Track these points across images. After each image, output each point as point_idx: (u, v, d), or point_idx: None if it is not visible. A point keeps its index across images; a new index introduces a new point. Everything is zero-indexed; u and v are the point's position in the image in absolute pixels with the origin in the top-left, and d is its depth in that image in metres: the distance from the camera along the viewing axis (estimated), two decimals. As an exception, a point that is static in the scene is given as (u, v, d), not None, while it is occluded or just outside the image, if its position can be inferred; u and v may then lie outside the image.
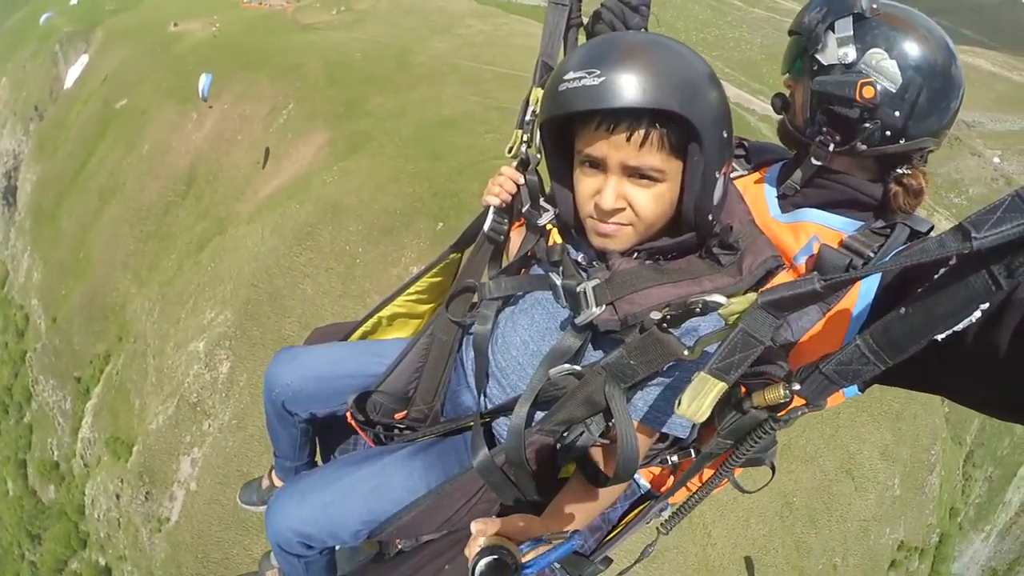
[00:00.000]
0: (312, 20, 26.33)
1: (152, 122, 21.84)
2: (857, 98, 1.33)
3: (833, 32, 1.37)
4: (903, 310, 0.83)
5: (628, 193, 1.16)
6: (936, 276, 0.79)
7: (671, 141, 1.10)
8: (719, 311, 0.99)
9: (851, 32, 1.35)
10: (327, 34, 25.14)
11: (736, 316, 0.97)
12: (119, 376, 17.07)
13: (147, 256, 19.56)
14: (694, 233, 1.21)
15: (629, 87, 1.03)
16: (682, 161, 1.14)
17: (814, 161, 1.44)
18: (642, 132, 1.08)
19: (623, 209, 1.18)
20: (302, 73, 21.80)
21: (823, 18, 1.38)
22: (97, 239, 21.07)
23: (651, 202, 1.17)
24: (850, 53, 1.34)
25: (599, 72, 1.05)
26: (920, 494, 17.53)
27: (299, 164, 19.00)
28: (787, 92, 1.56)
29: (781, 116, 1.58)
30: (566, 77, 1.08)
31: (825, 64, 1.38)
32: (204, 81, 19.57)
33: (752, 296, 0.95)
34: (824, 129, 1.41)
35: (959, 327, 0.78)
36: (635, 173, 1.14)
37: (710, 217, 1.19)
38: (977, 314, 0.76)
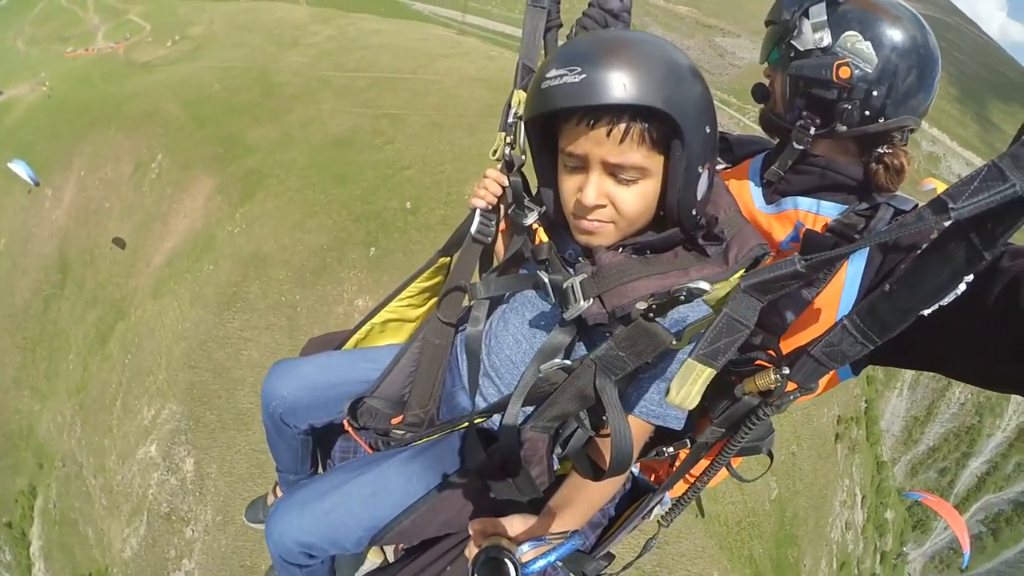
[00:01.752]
0: (148, 57, 23.22)
1: (2, 211, 18.51)
2: (834, 79, 1.34)
3: (808, 18, 1.39)
4: (887, 287, 0.82)
5: (610, 190, 1.16)
6: (918, 252, 0.80)
7: (653, 137, 1.10)
8: (704, 298, 1.00)
9: (825, 17, 1.37)
10: (171, 69, 22.33)
11: (720, 301, 0.97)
12: (57, 508, 14.62)
13: (40, 365, 16.74)
14: (678, 228, 1.22)
15: (609, 84, 1.03)
16: (665, 157, 1.13)
17: (796, 146, 1.44)
18: (622, 128, 1.08)
19: (604, 206, 1.18)
20: (161, 119, 19.29)
21: (798, 5, 1.41)
22: (-25, 363, 17.75)
23: (633, 199, 1.17)
24: (825, 37, 1.37)
25: (580, 69, 1.04)
26: (843, 374, 19.72)
27: (191, 220, 17.03)
28: (766, 82, 1.57)
29: (762, 106, 1.59)
30: (548, 75, 1.08)
31: (802, 50, 1.41)
32: (20, 170, 16.16)
33: (735, 280, 0.95)
34: (804, 113, 1.43)
35: (945, 301, 0.79)
36: (616, 170, 1.14)
37: (694, 212, 1.18)
38: (962, 287, 0.76)
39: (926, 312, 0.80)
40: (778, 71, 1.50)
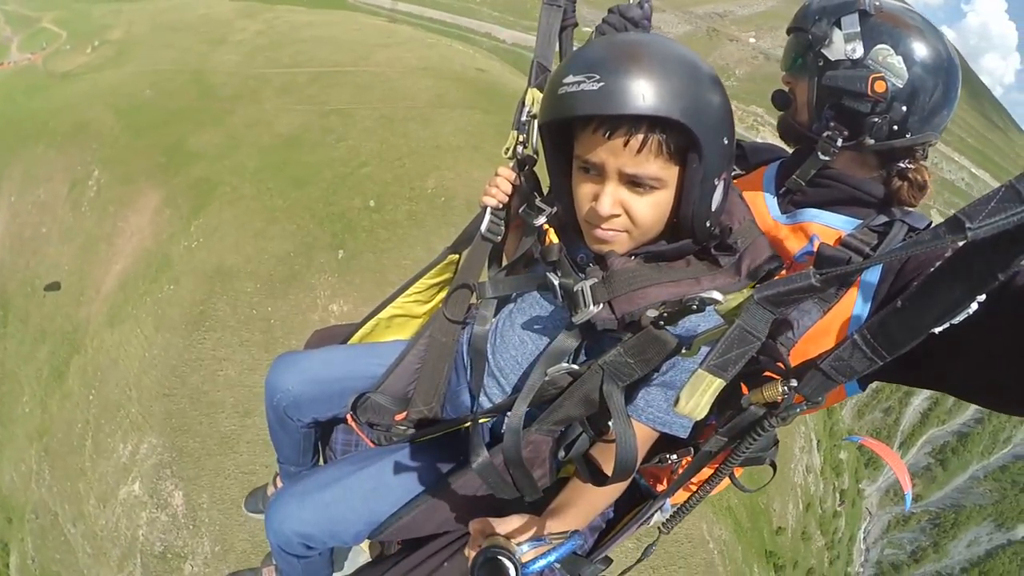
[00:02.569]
0: (69, 66, 21.13)
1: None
2: (869, 92, 1.33)
3: (840, 28, 1.37)
4: (899, 304, 0.82)
5: (625, 200, 1.14)
6: (932, 269, 0.79)
7: (670, 147, 1.08)
8: (716, 308, 0.99)
9: (858, 28, 1.35)
10: (97, 78, 20.43)
11: (732, 312, 0.97)
12: (36, 563, 13.29)
13: (-11, 410, 15.32)
14: (691, 240, 1.20)
15: (628, 93, 1.01)
16: (681, 167, 1.11)
17: (821, 156, 1.42)
18: (640, 138, 1.06)
19: (619, 215, 1.16)
20: (94, 131, 17.72)
21: (828, 15, 1.39)
22: (-82, 416, 15.98)
23: (648, 209, 1.15)
24: (857, 48, 1.35)
25: (598, 77, 1.02)
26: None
27: (140, 238, 15.82)
28: (786, 88, 1.54)
29: (782, 113, 1.57)
30: (565, 80, 1.06)
31: (832, 60, 1.38)
32: None
33: (748, 291, 0.96)
34: (831, 124, 1.40)
35: (956, 320, 0.77)
36: (633, 180, 1.11)
37: (708, 224, 1.17)
38: (974, 306, 0.77)
39: (937, 330, 0.78)
40: (801, 79, 1.46)
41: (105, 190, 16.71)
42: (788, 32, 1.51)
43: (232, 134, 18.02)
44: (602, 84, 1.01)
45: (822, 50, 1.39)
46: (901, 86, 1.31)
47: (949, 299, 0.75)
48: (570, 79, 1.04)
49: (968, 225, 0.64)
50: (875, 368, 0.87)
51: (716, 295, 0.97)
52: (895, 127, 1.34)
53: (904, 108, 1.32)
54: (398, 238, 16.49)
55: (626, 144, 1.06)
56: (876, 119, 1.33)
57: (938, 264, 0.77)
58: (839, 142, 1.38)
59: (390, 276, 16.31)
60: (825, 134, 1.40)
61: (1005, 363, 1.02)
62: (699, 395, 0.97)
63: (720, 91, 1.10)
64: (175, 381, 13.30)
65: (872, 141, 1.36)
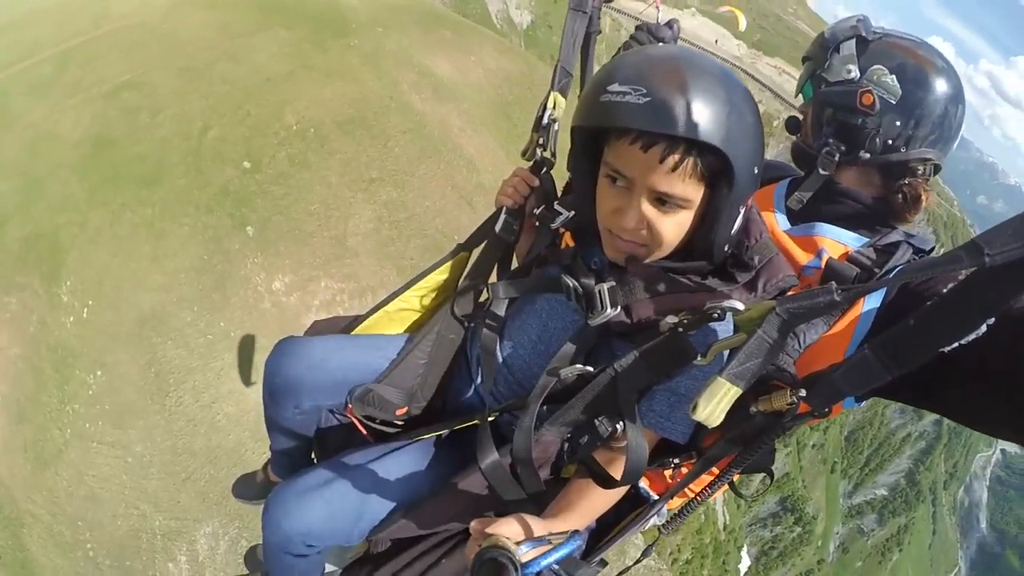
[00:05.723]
0: None
1: None
2: (857, 105, 1.39)
3: (838, 53, 1.44)
4: (912, 322, 0.81)
5: (650, 216, 1.13)
6: (946, 290, 0.80)
7: (702, 170, 1.06)
8: (736, 318, 0.98)
9: (854, 52, 1.42)
10: None
11: (753, 322, 0.95)
12: None
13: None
14: (707, 260, 1.19)
15: (673, 114, 0.99)
16: (708, 189, 1.09)
17: (821, 171, 1.46)
18: (676, 158, 1.04)
19: (642, 230, 1.14)
20: None
21: (830, 43, 1.46)
22: None
23: (671, 228, 1.14)
24: (854, 70, 1.42)
25: (644, 91, 1.01)
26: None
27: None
28: (800, 116, 1.60)
29: (795, 137, 1.61)
30: (610, 88, 1.04)
31: (831, 81, 1.45)
32: None
33: (770, 303, 0.94)
34: (830, 140, 1.45)
35: (965, 340, 0.79)
36: (661, 197, 1.10)
37: (726, 248, 1.16)
38: (983, 328, 0.78)
39: (947, 349, 0.79)
40: (809, 104, 1.53)
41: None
42: (802, 61, 1.58)
43: (12, 170, 13.40)
44: (648, 99, 1.00)
45: (822, 74, 1.48)
46: (894, 102, 1.36)
47: (961, 319, 0.76)
48: (615, 87, 1.03)
49: (987, 252, 0.65)
50: (885, 382, 0.85)
51: (737, 304, 0.98)
52: (890, 141, 1.39)
53: (898, 123, 1.36)
54: (294, 187, 13.77)
55: (662, 161, 1.04)
56: (870, 132, 1.38)
57: (952, 286, 0.78)
58: (837, 156, 1.44)
59: (308, 228, 13.74)
60: (824, 149, 1.45)
61: (1004, 388, 1.02)
62: (716, 402, 0.95)
63: (756, 119, 1.09)
64: (184, 460, 10.57)
65: (868, 155, 1.41)
